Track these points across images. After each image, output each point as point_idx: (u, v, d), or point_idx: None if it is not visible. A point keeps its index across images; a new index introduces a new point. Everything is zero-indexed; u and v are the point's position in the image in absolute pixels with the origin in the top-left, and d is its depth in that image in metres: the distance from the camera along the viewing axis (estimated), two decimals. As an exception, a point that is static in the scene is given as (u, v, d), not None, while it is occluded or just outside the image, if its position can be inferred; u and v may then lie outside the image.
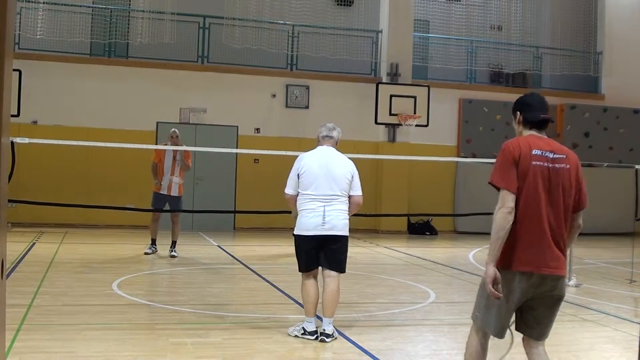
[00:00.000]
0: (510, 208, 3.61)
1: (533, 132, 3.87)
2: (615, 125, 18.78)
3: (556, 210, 3.71)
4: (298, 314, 7.12)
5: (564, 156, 3.78)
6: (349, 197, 6.13)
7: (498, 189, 3.72)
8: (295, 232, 6.07)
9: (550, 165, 3.72)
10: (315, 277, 6.11)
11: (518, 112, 3.97)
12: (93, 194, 14.78)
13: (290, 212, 6.53)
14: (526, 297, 3.73)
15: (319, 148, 6.17)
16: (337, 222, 6.03)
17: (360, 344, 5.82)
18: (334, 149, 6.17)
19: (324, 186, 5.95)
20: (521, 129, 3.94)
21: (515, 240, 3.65)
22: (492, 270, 3.58)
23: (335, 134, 6.20)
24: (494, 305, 3.71)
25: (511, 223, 3.62)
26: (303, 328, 5.99)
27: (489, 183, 3.76)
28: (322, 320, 6.00)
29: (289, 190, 6.11)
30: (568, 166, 3.76)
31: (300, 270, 6.09)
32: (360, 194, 6.18)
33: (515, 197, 3.65)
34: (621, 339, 6.45)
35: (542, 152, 3.73)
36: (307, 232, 5.96)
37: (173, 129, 11.19)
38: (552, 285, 3.74)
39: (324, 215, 5.94)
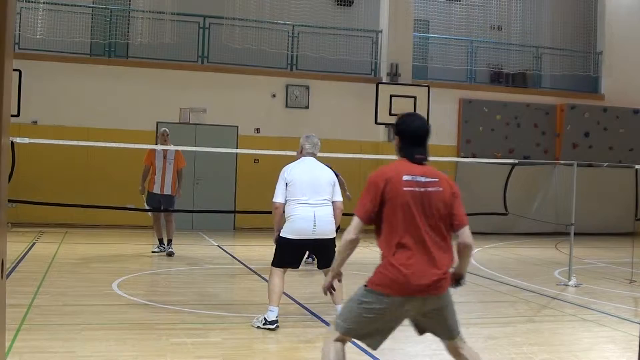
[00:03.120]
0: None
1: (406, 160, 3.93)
2: (615, 125, 18.77)
3: (434, 231, 3.83)
4: (298, 314, 7.12)
5: (437, 180, 3.86)
6: (332, 202, 6.56)
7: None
8: (283, 234, 6.38)
9: (423, 189, 3.79)
10: (284, 272, 6.49)
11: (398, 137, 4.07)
12: (93, 194, 14.77)
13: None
14: (410, 318, 3.94)
15: (303, 159, 6.66)
16: (326, 226, 6.41)
17: (360, 344, 5.81)
18: (315, 160, 6.73)
19: (313, 192, 6.39)
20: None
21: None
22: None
23: (317, 150, 6.83)
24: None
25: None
26: (265, 318, 6.21)
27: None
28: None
29: (278, 199, 6.44)
30: (441, 189, 3.84)
31: (275, 266, 6.41)
32: (342, 199, 6.67)
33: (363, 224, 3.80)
34: (621, 339, 6.45)
35: (412, 177, 3.79)
36: (297, 236, 6.34)
37: (163, 129, 11.37)
38: (435, 303, 3.82)
39: (315, 220, 6.32)
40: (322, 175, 6.58)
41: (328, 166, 11.95)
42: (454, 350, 4.12)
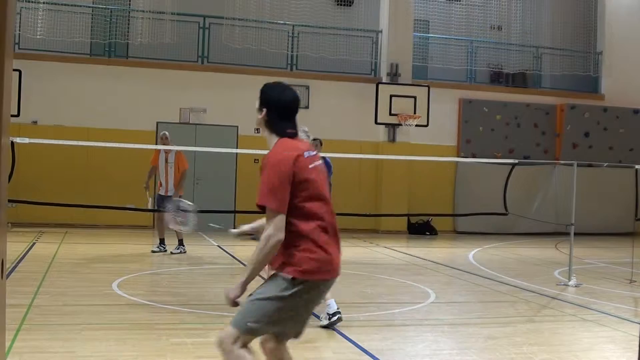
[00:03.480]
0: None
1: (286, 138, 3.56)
2: (615, 125, 18.77)
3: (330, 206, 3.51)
4: (298, 314, 7.11)
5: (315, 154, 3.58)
6: None
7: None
8: None
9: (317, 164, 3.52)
10: None
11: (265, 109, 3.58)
12: (93, 194, 14.77)
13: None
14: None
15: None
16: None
17: (360, 344, 5.81)
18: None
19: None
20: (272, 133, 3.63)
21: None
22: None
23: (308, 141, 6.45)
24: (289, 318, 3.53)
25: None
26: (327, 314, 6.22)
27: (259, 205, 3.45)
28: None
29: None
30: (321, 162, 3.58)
31: None
32: None
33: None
34: (621, 339, 6.45)
35: (307, 154, 3.49)
36: None
37: (163, 132, 11.64)
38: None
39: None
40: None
41: (329, 161, 12.07)
42: (277, 350, 3.77)
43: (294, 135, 3.58)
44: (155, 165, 11.61)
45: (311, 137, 6.58)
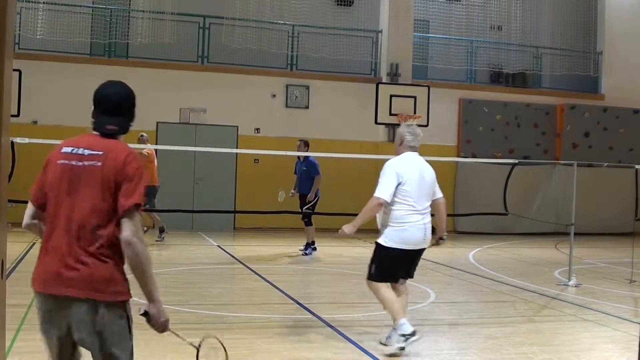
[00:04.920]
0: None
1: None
2: (615, 125, 18.77)
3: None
4: (298, 314, 7.12)
5: (101, 153, 3.16)
6: (434, 201, 5.92)
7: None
8: (388, 244, 5.61)
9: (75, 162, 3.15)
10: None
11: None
12: (93, 194, 14.76)
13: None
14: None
15: (410, 155, 5.83)
16: (429, 235, 5.75)
17: (360, 344, 5.81)
18: (419, 156, 5.92)
19: (423, 199, 5.72)
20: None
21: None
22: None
23: (419, 143, 5.93)
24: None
25: None
26: (402, 334, 5.53)
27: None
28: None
29: (384, 195, 5.57)
30: (99, 164, 3.11)
31: (379, 280, 5.68)
32: (442, 194, 6.05)
33: None
34: (621, 339, 6.45)
35: (72, 150, 3.22)
36: (408, 247, 5.61)
37: (141, 134, 12.79)
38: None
39: (425, 229, 5.65)
40: (428, 176, 5.81)
41: (312, 160, 12.09)
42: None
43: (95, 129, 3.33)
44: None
45: (420, 138, 5.91)
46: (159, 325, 3.30)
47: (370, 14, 17.63)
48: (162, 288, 8.83)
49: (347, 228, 5.61)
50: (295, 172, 12.28)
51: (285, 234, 14.54)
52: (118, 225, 3.01)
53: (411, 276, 5.95)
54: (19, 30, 14.93)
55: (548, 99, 18.66)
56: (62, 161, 3.20)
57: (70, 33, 15.44)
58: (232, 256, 11.73)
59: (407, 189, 5.59)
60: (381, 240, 5.64)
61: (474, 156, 17.48)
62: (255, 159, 16.29)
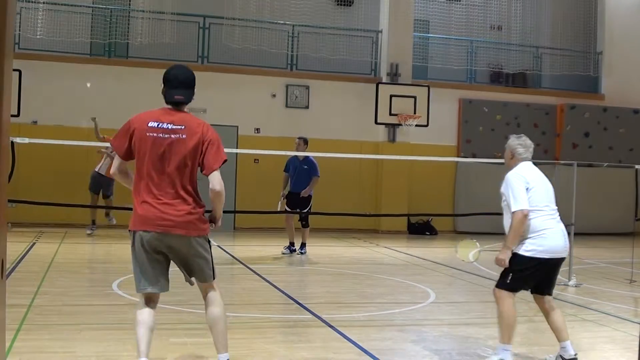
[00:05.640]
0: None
1: (167, 107, 4.26)
2: (615, 125, 18.77)
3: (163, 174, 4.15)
4: (298, 314, 7.12)
5: (182, 127, 4.15)
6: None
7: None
8: (530, 254, 5.18)
9: (166, 135, 4.11)
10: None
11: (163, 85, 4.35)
12: (93, 194, 14.75)
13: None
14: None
15: (528, 164, 5.62)
16: (568, 242, 5.39)
17: (360, 344, 5.81)
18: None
19: (553, 203, 5.44)
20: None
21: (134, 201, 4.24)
22: None
23: (531, 154, 5.73)
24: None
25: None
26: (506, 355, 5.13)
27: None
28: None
29: (524, 205, 5.21)
30: (184, 136, 4.13)
31: (510, 289, 5.24)
32: None
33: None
34: (621, 339, 6.45)
35: (158, 124, 4.11)
36: (550, 255, 5.20)
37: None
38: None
39: (564, 235, 5.32)
40: (549, 182, 5.56)
41: (313, 160, 11.89)
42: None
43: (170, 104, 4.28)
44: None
45: (532, 149, 5.76)
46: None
47: (370, 14, 17.63)
48: (162, 288, 8.70)
49: (503, 255, 5.25)
50: (285, 170, 12.00)
51: (285, 233, 14.53)
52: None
53: (550, 292, 5.42)
54: (19, 30, 14.93)
55: (548, 99, 18.66)
56: (150, 134, 4.11)
57: (70, 33, 15.43)
58: (232, 256, 11.73)
59: (536, 194, 5.32)
60: (521, 251, 5.22)
61: (474, 156, 17.48)
62: (255, 159, 16.29)
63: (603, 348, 6.15)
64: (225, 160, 4.29)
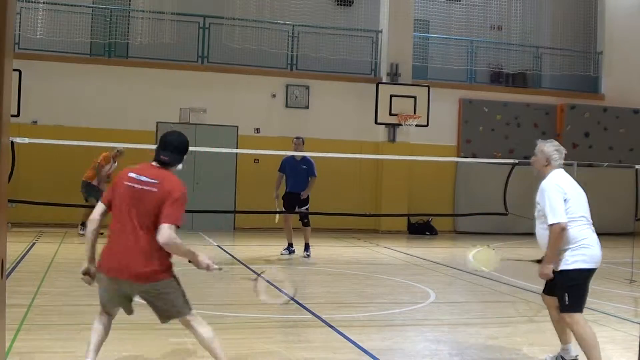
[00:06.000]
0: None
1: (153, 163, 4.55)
2: (615, 125, 18.77)
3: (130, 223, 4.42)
4: (298, 314, 7.11)
5: (156, 181, 4.38)
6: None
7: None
8: (575, 266, 5.16)
9: (139, 187, 4.38)
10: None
11: None
12: (93, 194, 14.76)
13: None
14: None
15: (562, 171, 5.52)
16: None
17: (360, 344, 5.81)
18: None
19: (589, 212, 5.38)
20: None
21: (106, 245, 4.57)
22: None
23: (563, 160, 5.63)
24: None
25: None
26: None
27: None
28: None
29: (561, 217, 5.14)
30: (155, 190, 4.34)
31: (576, 310, 5.17)
32: None
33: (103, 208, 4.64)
34: (621, 339, 6.45)
35: (136, 176, 4.42)
36: (593, 265, 5.22)
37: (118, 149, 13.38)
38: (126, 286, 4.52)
39: (600, 245, 5.26)
40: (582, 190, 5.49)
41: (311, 160, 11.80)
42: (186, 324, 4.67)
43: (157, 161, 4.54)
44: (104, 164, 13.55)
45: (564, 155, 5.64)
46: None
47: (370, 14, 17.63)
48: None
49: (545, 269, 5.22)
50: (281, 170, 11.88)
51: (285, 234, 14.53)
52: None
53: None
54: (19, 30, 14.93)
55: (548, 99, 18.66)
56: (127, 183, 4.43)
57: (70, 33, 15.43)
58: (232, 256, 11.72)
59: (573, 204, 5.25)
60: (566, 266, 5.14)
61: (474, 156, 17.49)
62: (255, 159, 16.28)
63: (603, 348, 6.12)
64: (178, 225, 4.32)
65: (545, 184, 5.33)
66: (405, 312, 7.40)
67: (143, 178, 4.38)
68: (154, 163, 4.52)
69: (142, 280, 4.41)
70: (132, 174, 4.42)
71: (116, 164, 13.52)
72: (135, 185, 4.37)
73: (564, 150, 5.57)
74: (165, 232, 4.24)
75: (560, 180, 5.34)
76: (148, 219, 4.32)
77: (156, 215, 4.29)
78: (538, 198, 5.35)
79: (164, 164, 4.50)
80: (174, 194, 4.30)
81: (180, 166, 4.59)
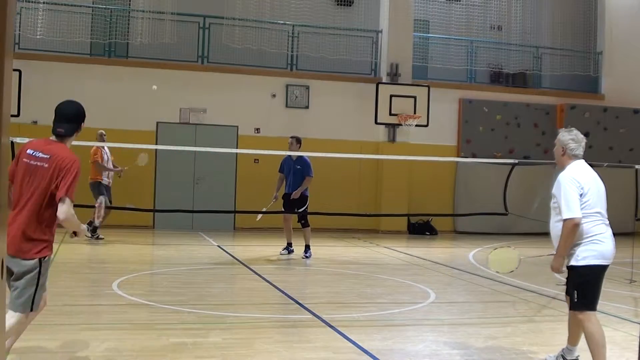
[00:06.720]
0: None
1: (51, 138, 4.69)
2: (615, 125, 18.78)
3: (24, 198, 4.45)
4: (298, 314, 7.11)
5: (48, 156, 4.50)
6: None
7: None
8: (585, 262, 4.97)
9: (34, 163, 4.47)
10: None
11: None
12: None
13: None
14: None
15: (580, 163, 5.35)
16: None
17: (360, 344, 5.81)
18: (587, 164, 5.41)
19: (605, 208, 5.17)
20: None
21: None
22: None
23: (583, 150, 5.44)
24: None
25: None
26: None
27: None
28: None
29: (576, 213, 4.91)
30: (46, 165, 4.47)
31: (586, 308, 5.01)
32: None
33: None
34: (621, 339, 6.45)
35: (32, 152, 4.52)
36: (607, 261, 5.00)
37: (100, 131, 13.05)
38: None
39: (614, 242, 5.08)
40: (602, 185, 5.28)
41: (307, 160, 11.73)
42: None
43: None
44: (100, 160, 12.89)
45: (584, 144, 5.45)
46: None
47: (370, 14, 17.63)
48: (162, 288, 8.87)
49: (556, 263, 5.08)
50: (280, 171, 11.89)
51: (284, 234, 14.54)
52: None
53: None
54: (19, 30, 14.93)
55: (548, 99, 18.67)
56: (24, 160, 4.50)
57: (70, 33, 15.44)
58: (232, 256, 11.73)
59: (589, 199, 5.03)
60: (575, 262, 4.99)
61: (474, 156, 17.49)
62: (255, 159, 16.28)
63: (603, 348, 6.14)
64: (69, 192, 4.57)
65: (562, 176, 5.13)
66: (405, 312, 7.40)
67: (38, 154, 4.52)
68: (52, 138, 4.68)
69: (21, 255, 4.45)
70: (29, 151, 4.54)
71: (106, 148, 13.07)
72: (31, 162, 4.49)
73: (583, 139, 5.36)
74: (63, 209, 4.51)
75: (577, 173, 5.16)
76: (42, 194, 4.45)
77: (50, 191, 4.45)
78: (554, 190, 5.18)
79: (61, 137, 4.67)
80: (64, 167, 4.49)
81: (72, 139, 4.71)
